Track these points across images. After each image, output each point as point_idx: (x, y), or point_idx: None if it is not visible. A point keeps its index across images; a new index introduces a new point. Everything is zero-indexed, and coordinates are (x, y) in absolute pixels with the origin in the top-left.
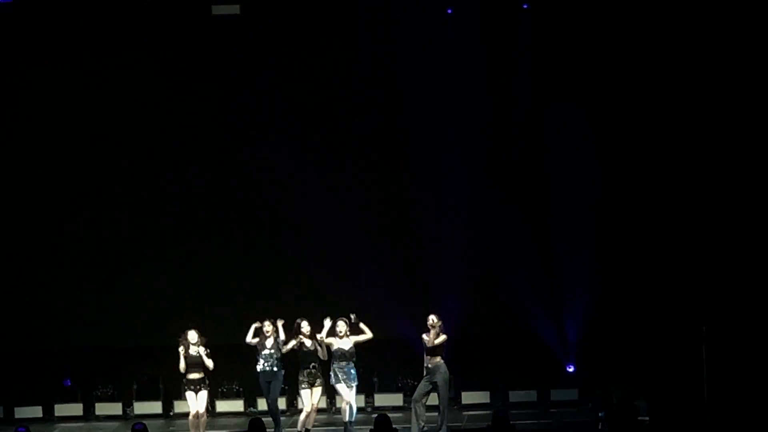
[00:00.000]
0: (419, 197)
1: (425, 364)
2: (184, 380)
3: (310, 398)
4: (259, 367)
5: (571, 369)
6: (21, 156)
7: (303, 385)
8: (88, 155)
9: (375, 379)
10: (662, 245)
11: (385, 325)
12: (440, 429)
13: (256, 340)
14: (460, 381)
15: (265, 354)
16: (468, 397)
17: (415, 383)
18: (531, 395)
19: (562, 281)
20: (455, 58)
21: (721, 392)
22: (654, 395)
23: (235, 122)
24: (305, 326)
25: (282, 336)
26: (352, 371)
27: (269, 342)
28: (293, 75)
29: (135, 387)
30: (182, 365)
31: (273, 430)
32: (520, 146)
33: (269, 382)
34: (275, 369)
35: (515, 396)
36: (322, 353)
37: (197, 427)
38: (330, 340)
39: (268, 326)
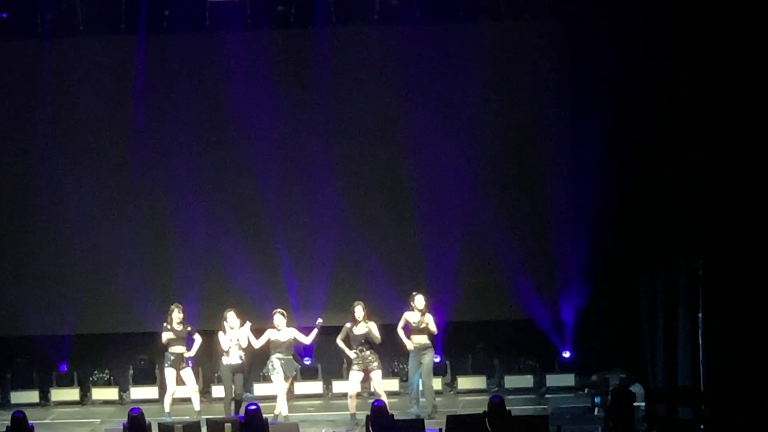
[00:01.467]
0: (416, 183)
1: (415, 345)
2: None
3: (359, 382)
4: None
5: (567, 355)
6: (14, 139)
7: (355, 368)
8: (85, 140)
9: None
10: (660, 230)
11: (380, 311)
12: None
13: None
14: (456, 366)
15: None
16: (464, 383)
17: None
18: (527, 381)
19: (559, 267)
20: (455, 45)
21: (717, 378)
22: (650, 381)
23: (237, 109)
24: (358, 311)
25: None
26: (289, 363)
27: (233, 334)
28: (296, 61)
29: (131, 372)
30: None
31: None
32: (515, 131)
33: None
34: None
35: (511, 381)
36: (374, 337)
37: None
38: (269, 331)
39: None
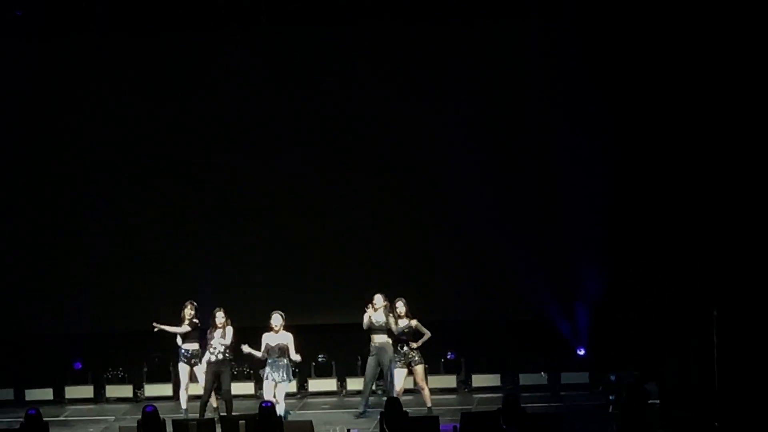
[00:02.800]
0: (429, 181)
1: (378, 343)
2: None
3: (403, 378)
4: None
5: (581, 352)
6: (32, 139)
7: (398, 364)
8: (98, 138)
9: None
10: (674, 229)
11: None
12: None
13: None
14: (470, 364)
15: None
16: (478, 380)
17: (426, 365)
18: (541, 378)
19: (573, 264)
20: (468, 45)
21: (731, 376)
22: (664, 379)
23: (252, 105)
24: (400, 306)
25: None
26: (281, 367)
27: (218, 333)
28: (308, 58)
29: (145, 369)
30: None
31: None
32: (532, 132)
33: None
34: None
35: (525, 379)
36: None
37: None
38: (265, 335)
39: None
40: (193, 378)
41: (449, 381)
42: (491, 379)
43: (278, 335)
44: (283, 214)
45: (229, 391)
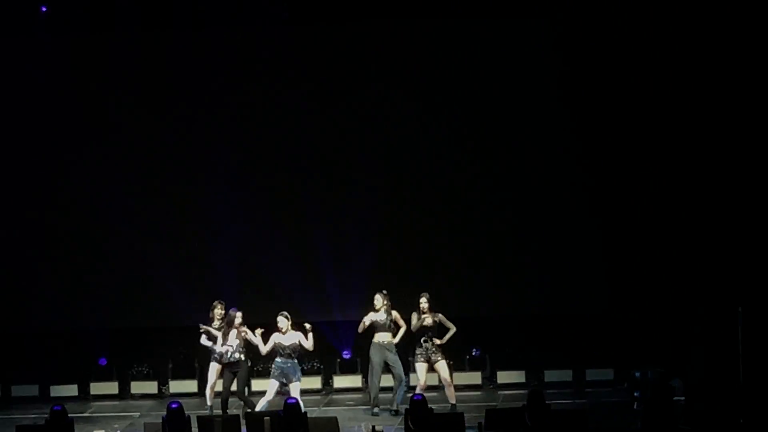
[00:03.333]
0: (450, 178)
1: (382, 341)
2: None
3: (425, 373)
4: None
5: (605, 349)
6: (53, 137)
7: (419, 359)
8: (121, 135)
9: (411, 359)
10: (700, 225)
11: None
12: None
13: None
14: (495, 360)
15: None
16: (503, 377)
17: (450, 362)
18: (566, 375)
19: (598, 260)
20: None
21: (756, 372)
22: (689, 375)
23: (275, 103)
24: (424, 302)
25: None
26: (291, 367)
27: (233, 333)
28: (324, 56)
29: (170, 366)
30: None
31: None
32: (556, 127)
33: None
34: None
35: (550, 375)
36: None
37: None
38: (274, 335)
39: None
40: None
41: (474, 377)
42: (516, 376)
43: (287, 335)
44: (307, 210)
45: (243, 392)
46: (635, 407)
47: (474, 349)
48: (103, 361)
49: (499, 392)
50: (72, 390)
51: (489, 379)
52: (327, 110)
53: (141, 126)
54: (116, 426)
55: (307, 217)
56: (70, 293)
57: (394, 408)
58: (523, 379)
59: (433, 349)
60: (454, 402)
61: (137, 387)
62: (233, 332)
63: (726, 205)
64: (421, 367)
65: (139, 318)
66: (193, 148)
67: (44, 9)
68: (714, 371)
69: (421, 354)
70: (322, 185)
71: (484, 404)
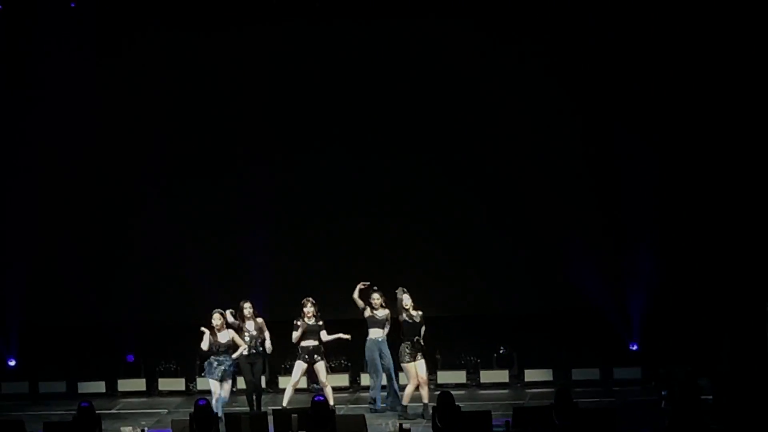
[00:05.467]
0: (475, 177)
1: (379, 337)
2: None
3: (416, 371)
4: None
5: (634, 347)
6: (85, 135)
7: (406, 359)
8: (152, 134)
9: (438, 357)
10: (727, 223)
11: (449, 303)
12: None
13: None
14: (523, 358)
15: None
16: (531, 375)
17: (478, 360)
18: (594, 373)
19: (627, 259)
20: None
21: None
22: (717, 374)
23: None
24: (407, 299)
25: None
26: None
27: (251, 325)
28: (348, 54)
29: (198, 362)
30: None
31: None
32: (586, 127)
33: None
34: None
35: (578, 374)
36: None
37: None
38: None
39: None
40: (311, 376)
41: (502, 375)
42: (544, 374)
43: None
44: (336, 207)
45: (258, 384)
46: (663, 406)
47: (501, 347)
48: (131, 358)
49: (527, 390)
50: (99, 386)
51: (517, 377)
52: (346, 104)
53: (171, 124)
54: (143, 422)
55: (333, 217)
56: (97, 290)
57: (378, 406)
58: (550, 378)
59: (420, 345)
60: (426, 402)
61: (164, 384)
62: (250, 323)
63: (754, 203)
64: (411, 366)
65: (167, 315)
66: (223, 146)
67: (73, 5)
68: (742, 369)
69: (408, 353)
70: (354, 178)
71: (511, 402)
